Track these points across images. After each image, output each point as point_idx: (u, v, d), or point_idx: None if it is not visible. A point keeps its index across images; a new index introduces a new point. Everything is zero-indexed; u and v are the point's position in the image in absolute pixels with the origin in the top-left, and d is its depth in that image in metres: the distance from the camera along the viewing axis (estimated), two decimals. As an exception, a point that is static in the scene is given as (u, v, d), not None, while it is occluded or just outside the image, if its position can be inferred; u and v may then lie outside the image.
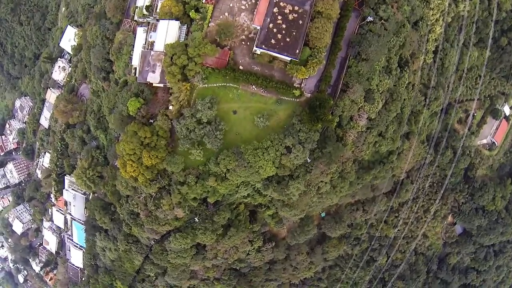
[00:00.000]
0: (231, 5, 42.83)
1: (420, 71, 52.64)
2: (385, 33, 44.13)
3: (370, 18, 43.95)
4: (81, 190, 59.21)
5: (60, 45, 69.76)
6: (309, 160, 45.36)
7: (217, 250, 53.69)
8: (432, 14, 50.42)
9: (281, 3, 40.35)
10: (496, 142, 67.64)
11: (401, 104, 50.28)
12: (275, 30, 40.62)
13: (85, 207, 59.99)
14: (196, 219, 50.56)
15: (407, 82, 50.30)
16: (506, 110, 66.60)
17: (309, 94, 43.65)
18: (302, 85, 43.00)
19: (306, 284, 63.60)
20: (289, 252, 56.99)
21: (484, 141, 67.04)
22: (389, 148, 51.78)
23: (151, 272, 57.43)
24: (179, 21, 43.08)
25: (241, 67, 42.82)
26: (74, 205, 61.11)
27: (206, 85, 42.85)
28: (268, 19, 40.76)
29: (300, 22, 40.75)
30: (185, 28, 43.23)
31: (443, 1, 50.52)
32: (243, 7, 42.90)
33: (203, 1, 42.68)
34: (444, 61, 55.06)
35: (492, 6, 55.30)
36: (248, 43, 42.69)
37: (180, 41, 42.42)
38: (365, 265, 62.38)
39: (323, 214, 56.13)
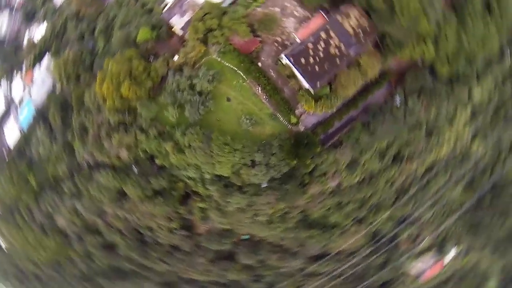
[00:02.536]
0: (287, 4, 37.16)
1: (406, 175, 48.38)
2: (403, 122, 39.63)
3: (398, 101, 39.30)
4: (52, 79, 52.19)
5: None
6: (264, 185, 39.76)
7: (136, 207, 46.98)
8: (448, 137, 46.34)
9: (331, 33, 35.05)
10: (423, 277, 63.48)
11: (373, 192, 45.86)
12: (311, 52, 35.10)
13: (46, 97, 52.91)
14: (135, 170, 44.01)
15: (391, 176, 46.16)
16: (451, 253, 62.84)
17: (303, 128, 38.07)
18: (302, 116, 37.13)
19: (190, 283, 57.71)
20: (196, 250, 50.86)
21: (415, 269, 62.87)
22: (338, 222, 47.11)
23: (67, 189, 50.32)
24: (232, -13, 37.45)
25: (259, 64, 36.66)
26: (37, 87, 53.72)
27: (219, 58, 36.60)
28: (311, 39, 35.35)
29: (338, 61, 35.47)
30: None
31: (464, 131, 46.58)
32: (296, 13, 37.31)
33: (267, -14, 37.18)
34: (430, 181, 50.96)
35: (501, 159, 51.62)
36: (280, 48, 36.69)
37: (222, 6, 36.63)
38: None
39: (246, 237, 50.47)
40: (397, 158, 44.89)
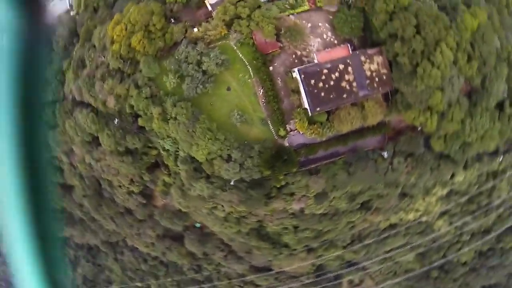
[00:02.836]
0: (320, 24, 36.78)
1: (368, 224, 48.72)
2: (383, 176, 39.80)
3: (385, 155, 39.43)
4: (71, 1, 50.38)
5: None
6: (232, 183, 39.32)
7: (104, 159, 45.80)
8: (418, 206, 46.88)
9: (349, 68, 34.64)
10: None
11: (332, 228, 45.87)
12: (323, 77, 34.63)
13: (57, 16, 50.81)
14: (116, 121, 42.73)
15: (353, 220, 46.28)
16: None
17: (287, 144, 37.59)
18: (291, 133, 36.45)
19: (132, 251, 56.79)
20: (147, 220, 49.98)
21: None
22: (289, 243, 46.91)
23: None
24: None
25: (271, 68, 35.73)
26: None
27: (235, 47, 35.82)
28: (328, 65, 34.95)
29: (345, 96, 35.21)
30: None
31: (435, 206, 47.27)
32: (324, 36, 36.78)
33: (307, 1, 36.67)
34: (388, 238, 51.49)
35: (459, 243, 52.28)
36: (295, 61, 36.16)
37: (259, -1, 35.95)
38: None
39: (198, 225, 49.85)
40: (365, 206, 45.15)
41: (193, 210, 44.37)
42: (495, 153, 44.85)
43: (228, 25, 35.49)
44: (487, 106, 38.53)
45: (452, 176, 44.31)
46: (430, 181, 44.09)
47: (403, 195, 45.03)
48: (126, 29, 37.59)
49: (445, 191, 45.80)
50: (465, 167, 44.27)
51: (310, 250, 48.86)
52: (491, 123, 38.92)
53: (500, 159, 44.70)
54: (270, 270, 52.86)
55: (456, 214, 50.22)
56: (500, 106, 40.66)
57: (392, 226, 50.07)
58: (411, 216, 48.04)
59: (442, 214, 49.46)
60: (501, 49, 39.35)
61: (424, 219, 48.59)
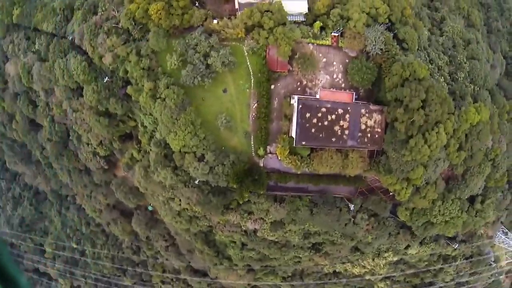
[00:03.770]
0: (334, 63, 35.50)
1: (313, 265, 47.91)
2: (342, 226, 38.91)
3: (352, 208, 38.66)
4: None
5: None
6: (196, 182, 37.41)
7: (81, 111, 42.47)
8: (365, 264, 46.48)
9: (346, 116, 33.20)
10: None
11: (278, 257, 44.08)
12: (319, 115, 33.09)
13: None
14: (105, 79, 40.08)
15: (301, 256, 44.97)
16: None
17: (262, 165, 36.16)
18: (269, 155, 35.15)
19: (78, 210, 53.67)
20: (102, 186, 46.99)
21: None
22: (232, 258, 44.10)
23: (38, 44, 44.78)
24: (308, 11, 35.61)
25: (272, 86, 34.38)
26: None
27: (246, 53, 34.46)
28: (328, 106, 33.79)
29: (333, 139, 34.01)
30: (305, 19, 35.62)
31: (381, 270, 47.01)
32: (334, 76, 35.66)
33: (332, 34, 35.70)
34: (328, 284, 50.68)
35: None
36: (298, 89, 34.79)
37: (287, 17, 34.62)
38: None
39: (150, 208, 47.49)
40: (316, 247, 44.26)
41: (150, 194, 42.14)
42: (453, 238, 45.20)
43: (248, 29, 33.99)
44: (460, 195, 38.66)
45: (407, 247, 44.25)
46: (385, 245, 43.85)
47: (355, 249, 44.52)
48: (148, -6, 35.52)
49: (395, 259, 45.67)
50: (421, 243, 44.35)
51: (250, 270, 47.46)
52: (459, 212, 39.05)
53: (456, 246, 45.06)
54: (206, 275, 51.08)
55: (399, 282, 50.27)
56: (471, 200, 40.96)
57: (335, 273, 49.49)
58: (356, 270, 47.61)
59: (386, 277, 49.36)
60: (491, 149, 39.74)
61: (367, 277, 48.23)
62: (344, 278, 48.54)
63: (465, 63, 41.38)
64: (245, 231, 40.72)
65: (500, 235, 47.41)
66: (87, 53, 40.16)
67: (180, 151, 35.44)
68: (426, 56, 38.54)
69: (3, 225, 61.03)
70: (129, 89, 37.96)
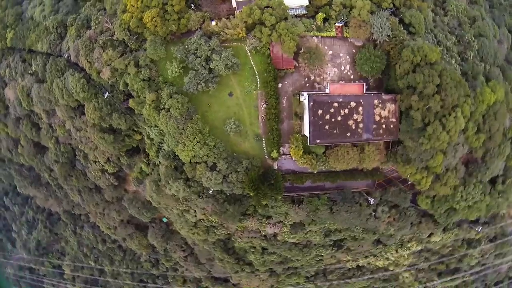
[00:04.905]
0: (341, 55, 32.85)
1: (336, 261, 45.91)
2: (364, 221, 36.70)
3: (372, 201, 36.30)
4: None
5: None
6: (210, 192, 35.29)
7: (85, 130, 40.45)
8: (389, 256, 44.40)
9: (359, 109, 30.37)
10: None
11: (300, 258, 41.52)
12: (332, 110, 30.53)
13: None
14: (106, 94, 37.86)
15: (323, 255, 41.91)
16: None
17: (276, 167, 33.67)
18: (283, 156, 32.92)
19: (92, 228, 51.98)
20: (114, 203, 44.83)
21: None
22: (254, 263, 41.99)
23: (34, 65, 42.51)
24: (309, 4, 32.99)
25: (279, 85, 32.05)
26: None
27: (249, 53, 31.90)
28: (340, 100, 31.26)
29: (348, 134, 31.51)
30: (306, 12, 33.04)
31: (405, 261, 44.84)
32: (343, 68, 33.10)
33: (336, 24, 33.19)
34: (351, 278, 48.41)
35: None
36: (307, 85, 32.36)
37: (288, 11, 32.00)
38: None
39: (165, 219, 45.56)
40: (337, 244, 42.04)
41: (163, 207, 40.09)
42: (476, 222, 42.89)
43: (249, 28, 31.55)
44: (481, 179, 36.27)
45: (430, 235, 41.96)
46: (408, 235, 41.58)
47: (378, 242, 42.35)
48: (142, 1, 33.04)
49: (418, 248, 43.45)
50: (444, 230, 42.03)
51: (272, 274, 45.46)
52: (482, 196, 36.69)
53: (479, 230, 42.73)
54: (227, 281, 49.20)
55: (424, 270, 48.11)
56: (493, 181, 38.54)
57: (359, 267, 47.39)
58: (380, 263, 45.46)
59: (410, 266, 47.23)
60: (508, 128, 37.23)
61: (391, 268, 46.12)
62: (368, 272, 46.47)
63: (473, 41, 38.64)
64: (265, 236, 38.65)
65: (522, 213, 45.08)
66: (85, 70, 37.87)
67: (190, 162, 33.27)
68: (434, 38, 35.87)
69: (20, 250, 59.48)
70: (131, 102, 35.71)
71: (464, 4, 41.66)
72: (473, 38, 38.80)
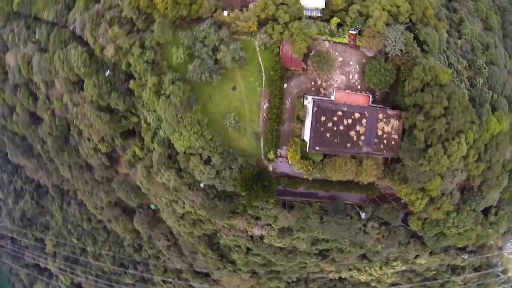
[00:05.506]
0: (351, 63, 31.42)
1: (319, 270, 44.77)
2: (353, 234, 35.61)
3: (363, 216, 35.21)
4: None
5: None
6: (201, 185, 34.04)
7: (82, 105, 38.68)
8: (373, 272, 43.21)
9: (363, 121, 29.27)
10: None
11: (283, 263, 40.17)
12: (335, 118, 29.31)
13: None
14: (107, 72, 36.24)
15: (307, 262, 40.87)
16: None
17: (271, 169, 32.25)
18: (280, 159, 31.54)
19: (79, 205, 50.56)
20: (104, 183, 43.07)
21: None
22: (237, 262, 40.75)
23: (38, 34, 40.48)
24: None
25: (285, 85, 30.69)
26: None
27: (257, 48, 30.51)
28: (345, 109, 30.12)
29: (348, 145, 30.28)
30: (321, 14, 30.83)
31: (388, 279, 43.72)
32: (351, 77, 31.72)
33: (350, 31, 31.81)
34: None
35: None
36: (312, 89, 31.10)
37: (303, 11, 30.66)
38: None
39: (153, 207, 43.94)
40: (323, 253, 40.91)
41: (152, 194, 38.63)
42: (463, 249, 41.98)
43: (261, 23, 30.10)
44: (475, 207, 35.27)
45: (416, 256, 41.01)
46: (394, 254, 40.60)
47: (363, 256, 41.29)
48: (154, -18, 31.47)
49: (403, 268, 42.47)
50: (431, 253, 41.11)
51: (254, 275, 44.23)
52: (473, 225, 35.73)
53: (465, 257, 41.81)
54: (208, 276, 47.91)
55: (405, 291, 47.27)
56: (486, 212, 37.57)
57: (341, 279, 46.32)
58: (363, 277, 44.44)
59: (392, 285, 46.28)
60: (508, 160, 36.19)
61: (373, 284, 45.12)
62: (349, 285, 45.41)
63: (484, 68, 37.51)
64: (251, 237, 37.38)
65: (510, 246, 44.20)
66: (88, 44, 36.12)
67: (185, 152, 31.80)
68: (446, 60, 34.63)
69: (4, 218, 57.71)
70: (131, 84, 34.07)
71: (479, 30, 40.46)
72: (484, 65, 37.66)
